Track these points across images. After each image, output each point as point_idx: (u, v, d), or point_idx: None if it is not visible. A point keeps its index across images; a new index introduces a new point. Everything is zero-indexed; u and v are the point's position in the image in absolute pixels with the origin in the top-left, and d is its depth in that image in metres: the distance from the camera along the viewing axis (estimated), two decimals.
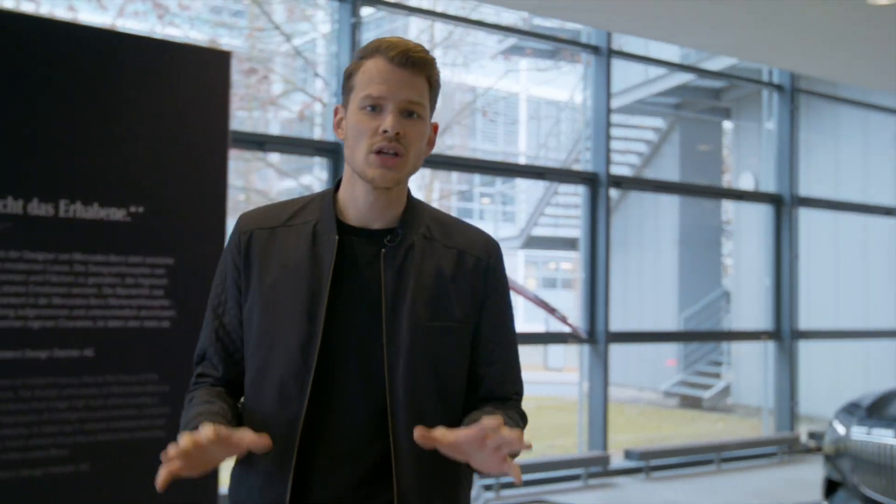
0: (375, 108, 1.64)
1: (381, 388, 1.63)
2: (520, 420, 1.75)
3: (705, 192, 11.04)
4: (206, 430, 1.44)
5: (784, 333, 8.74)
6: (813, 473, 7.55)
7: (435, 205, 12.54)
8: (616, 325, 7.55)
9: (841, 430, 5.36)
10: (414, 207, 1.75)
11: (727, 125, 14.16)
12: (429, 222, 1.75)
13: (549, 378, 15.97)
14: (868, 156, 10.98)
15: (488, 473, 1.54)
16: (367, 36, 11.61)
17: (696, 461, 7.91)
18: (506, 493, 6.76)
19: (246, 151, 8.96)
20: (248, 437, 1.49)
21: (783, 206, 8.81)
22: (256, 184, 12.90)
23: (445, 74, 9.83)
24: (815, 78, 9.50)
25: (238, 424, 1.67)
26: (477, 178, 18.97)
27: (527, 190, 18.59)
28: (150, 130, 3.41)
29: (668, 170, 13.72)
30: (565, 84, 14.93)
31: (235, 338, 1.74)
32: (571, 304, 16.18)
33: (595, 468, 7.26)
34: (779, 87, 8.97)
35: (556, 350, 14.86)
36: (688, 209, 13.84)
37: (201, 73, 3.56)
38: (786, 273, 8.77)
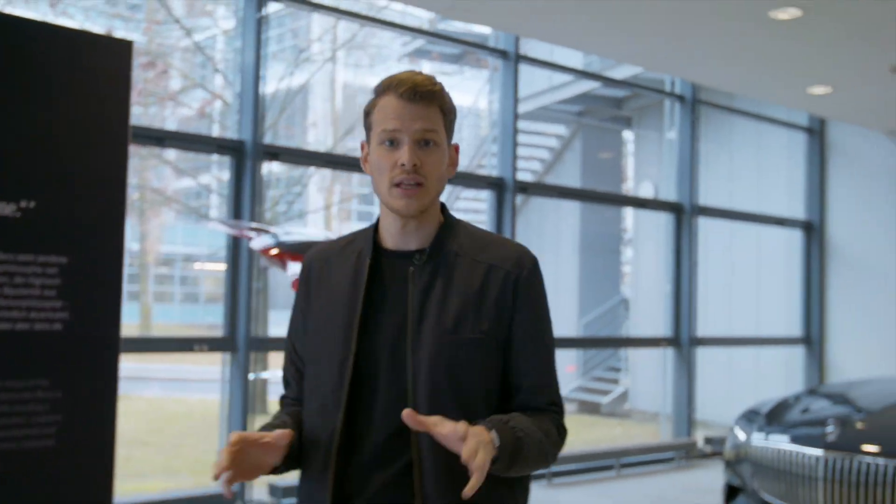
0: (393, 142, 1.75)
1: (405, 399, 1.73)
2: (545, 434, 1.77)
3: (610, 199, 11.19)
4: (231, 436, 1.61)
5: (683, 340, 8.89)
6: (710, 478, 7.68)
7: (335, 208, 12.28)
8: None
9: (741, 436, 5.44)
10: (450, 226, 1.85)
11: (627, 134, 14.39)
12: (462, 239, 1.84)
13: None
14: (761, 167, 11.28)
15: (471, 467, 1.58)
16: (272, 33, 11.41)
17: (596, 467, 7.96)
18: None
19: (142, 147, 8.64)
20: (272, 434, 1.67)
21: (683, 214, 8.97)
22: (152, 182, 12.50)
23: (348, 76, 9.60)
24: (713, 89, 9.70)
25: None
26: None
27: None
28: (44, 121, 3.20)
29: (569, 176, 13.86)
30: (469, 89, 14.94)
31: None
32: None
33: None
34: (681, 98, 9.13)
35: None
36: (588, 216, 14.01)
37: (100, 62, 3.36)
38: (685, 280, 8.92)
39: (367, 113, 1.82)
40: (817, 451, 4.81)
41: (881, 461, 4.60)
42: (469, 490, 1.50)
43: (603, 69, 10.92)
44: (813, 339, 10.06)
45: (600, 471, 7.96)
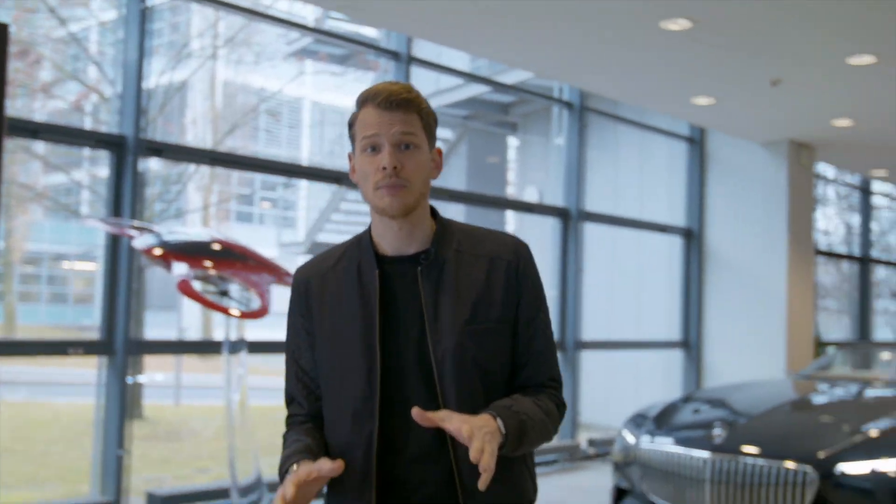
0: (374, 147, 1.83)
1: (435, 394, 1.82)
2: (546, 412, 1.87)
3: (496, 202, 11.20)
4: (287, 489, 1.65)
5: (568, 344, 8.98)
6: (595, 480, 7.78)
7: (213, 209, 11.97)
8: None
9: (630, 439, 5.50)
10: (444, 226, 1.94)
11: (513, 140, 14.51)
12: (459, 237, 1.94)
13: None
14: (644, 175, 11.54)
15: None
16: (156, 26, 11.01)
17: None
18: None
19: (9, 140, 8.19)
20: (326, 467, 1.69)
21: (570, 219, 9.07)
22: (20, 177, 11.91)
23: (230, 74, 9.32)
24: (600, 96, 9.85)
25: (327, 451, 1.90)
26: (258, 182, 18.49)
27: (308, 196, 18.31)
28: None
29: (454, 181, 13.87)
30: (355, 91, 14.79)
31: (314, 377, 1.94)
32: None
33: None
34: (569, 105, 9.23)
35: None
36: (473, 221, 14.03)
37: None
38: (571, 285, 9.02)
39: (350, 125, 1.90)
40: (704, 454, 4.90)
41: (762, 462, 4.71)
42: (482, 485, 1.59)
43: (491, 74, 10.96)
44: (691, 342, 10.33)
45: None
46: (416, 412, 1.66)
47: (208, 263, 5.06)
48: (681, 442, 5.13)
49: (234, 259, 5.23)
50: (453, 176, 13.98)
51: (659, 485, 5.13)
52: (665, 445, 5.17)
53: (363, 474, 1.83)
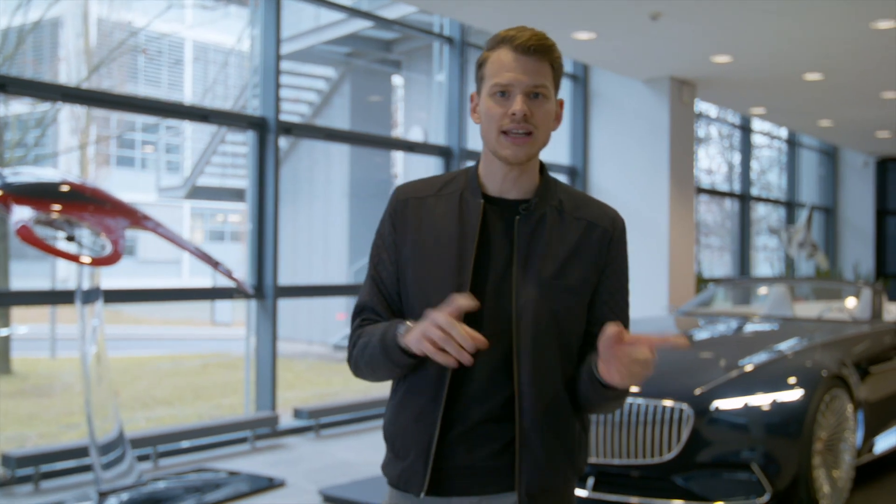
0: (504, 93, 1.84)
1: (508, 337, 1.85)
2: None
3: (378, 142, 10.92)
4: (461, 301, 1.68)
5: None
6: None
7: (91, 149, 11.32)
8: (285, 278, 7.20)
9: None
10: (547, 182, 1.96)
11: (398, 79, 14.17)
12: (561, 196, 1.96)
13: (216, 333, 15.39)
14: None
15: (619, 384, 1.74)
16: None
17: (366, 416, 7.78)
18: (165, 461, 6.22)
19: None
20: (463, 302, 1.69)
21: (452, 158, 8.86)
22: None
23: (103, 11, 8.69)
24: (482, 31, 9.62)
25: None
26: (139, 124, 17.71)
27: (193, 139, 17.66)
28: None
29: (338, 121, 13.52)
30: (233, 29, 14.22)
31: (392, 290, 1.95)
32: (240, 258, 15.62)
33: (263, 429, 6.90)
34: (449, 40, 8.97)
35: (223, 303, 14.28)
36: (358, 161, 13.74)
37: None
38: None
39: (480, 65, 1.90)
40: None
41: (640, 401, 4.65)
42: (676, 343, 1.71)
43: (373, 9, 10.60)
44: None
45: (370, 420, 7.80)
46: (612, 329, 1.68)
47: (56, 207, 4.68)
48: None
49: (86, 202, 4.85)
50: (337, 116, 13.62)
51: None
52: None
53: (434, 396, 1.85)
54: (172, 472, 5.80)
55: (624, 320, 1.97)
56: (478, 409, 1.86)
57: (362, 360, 1.92)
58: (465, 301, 1.69)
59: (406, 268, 1.93)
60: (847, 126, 12.94)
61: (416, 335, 1.71)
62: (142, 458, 6.08)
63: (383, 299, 1.97)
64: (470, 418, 1.86)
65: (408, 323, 1.80)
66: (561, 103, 1.96)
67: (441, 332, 1.66)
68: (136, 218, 5.00)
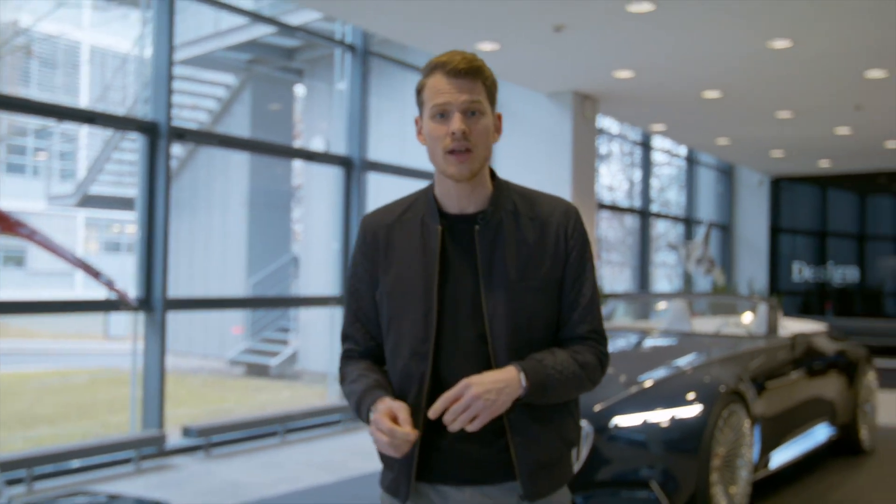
0: (443, 115, 1.98)
1: (485, 343, 1.99)
2: (581, 365, 2.04)
3: (276, 150, 10.63)
4: (412, 434, 1.88)
5: None
6: None
7: None
8: (181, 290, 6.91)
9: None
10: (500, 188, 2.09)
11: (300, 88, 13.92)
12: (515, 199, 2.09)
13: (109, 347, 14.82)
14: None
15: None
16: None
17: (260, 434, 7.52)
18: (42, 484, 5.85)
19: None
20: (406, 434, 1.88)
21: (353, 169, 8.68)
22: None
23: None
24: (385, 40, 9.49)
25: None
26: (32, 129, 17.02)
27: (88, 146, 17.05)
28: None
29: (238, 129, 13.19)
30: (130, 32, 13.77)
31: (372, 317, 2.12)
32: (134, 270, 15.06)
33: (149, 449, 6.58)
34: (351, 48, 8.80)
35: (118, 316, 13.76)
36: (258, 171, 13.43)
37: None
38: (353, 238, 8.66)
39: (419, 91, 2.04)
40: None
41: None
42: (453, 427, 1.89)
43: (275, 14, 10.36)
44: None
45: (264, 438, 7.53)
46: (433, 413, 1.91)
47: None
48: None
49: None
50: (237, 125, 13.29)
51: None
52: None
53: (414, 408, 1.98)
54: (46, 497, 5.44)
55: (588, 303, 2.08)
56: None
57: (347, 400, 2.10)
58: (404, 430, 1.88)
59: (382, 297, 2.08)
60: (743, 144, 13.21)
61: (371, 434, 1.93)
62: (14, 482, 5.70)
63: (361, 327, 2.14)
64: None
65: (374, 405, 1.95)
66: (499, 116, 2.07)
67: (384, 436, 1.87)
68: (7, 224, 4.68)
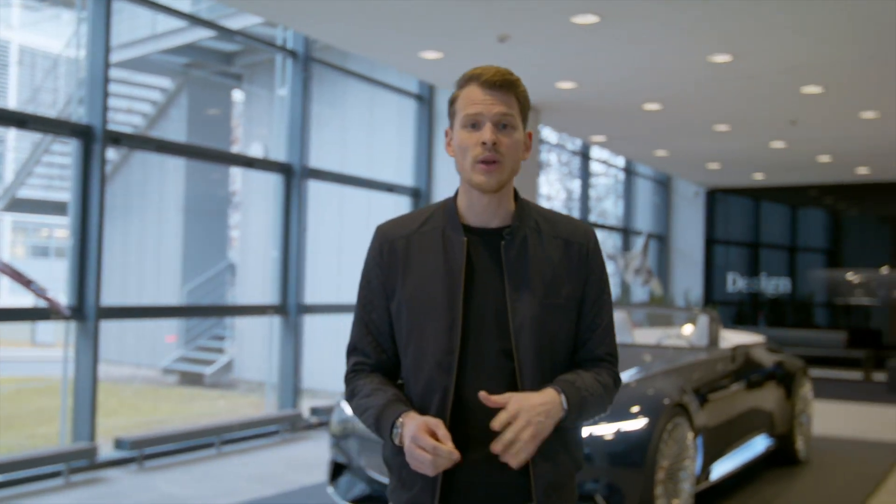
0: (475, 125, 1.98)
1: (510, 358, 1.98)
2: (604, 386, 2.06)
3: (214, 156, 10.44)
4: (455, 454, 1.87)
5: (290, 307, 8.50)
6: (316, 452, 7.39)
7: None
8: (113, 297, 6.71)
9: (349, 411, 5.13)
10: (522, 206, 2.09)
11: (238, 94, 13.72)
12: (536, 218, 2.09)
13: (36, 355, 14.41)
14: (373, 132, 11.21)
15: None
16: None
17: (195, 446, 7.35)
18: None
19: None
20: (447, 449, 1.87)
21: (293, 176, 8.55)
22: None
23: None
24: (328, 47, 9.39)
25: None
26: None
27: (17, 148, 16.60)
28: None
29: (175, 134, 12.94)
30: (63, 32, 13.43)
31: (384, 330, 2.09)
32: (64, 276, 14.68)
33: (79, 462, 6.38)
34: (293, 54, 8.68)
35: (46, 322, 13.38)
36: (194, 176, 13.19)
37: None
38: (293, 245, 8.53)
39: (452, 102, 2.04)
40: None
41: None
42: (515, 464, 1.90)
43: (215, 18, 10.18)
44: None
45: (199, 449, 7.36)
46: (483, 396, 1.88)
47: None
48: None
49: None
50: (173, 129, 13.04)
51: (378, 459, 4.80)
52: None
53: (440, 414, 1.96)
54: None
55: (606, 325, 2.11)
56: (484, 430, 1.93)
57: (359, 419, 2.07)
58: (447, 448, 1.86)
59: (400, 309, 2.05)
60: (681, 156, 13.38)
61: (408, 451, 1.88)
62: None
63: (373, 340, 2.11)
64: (477, 440, 1.96)
65: (399, 420, 1.93)
66: (529, 135, 2.07)
67: (426, 454, 1.84)
68: None
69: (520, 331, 1.97)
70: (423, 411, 1.98)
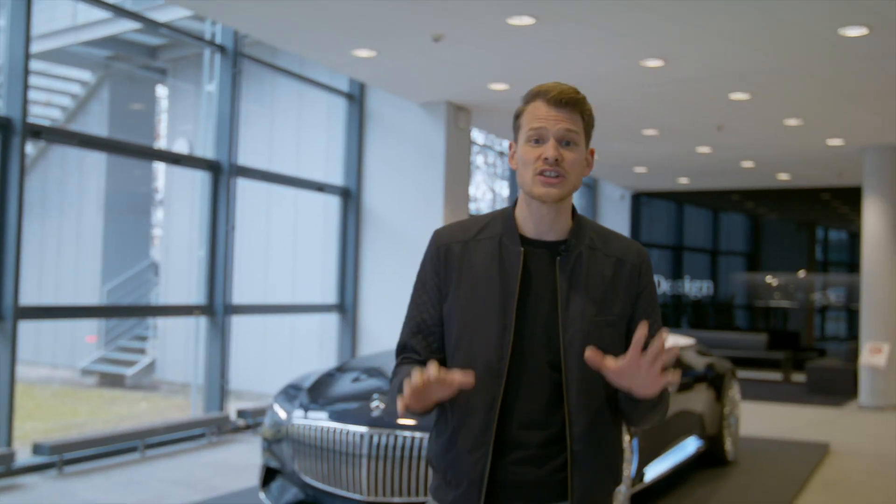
0: (539, 140, 2.02)
1: (558, 369, 2.02)
2: (665, 397, 2.08)
3: (138, 152, 10.15)
4: (432, 368, 1.83)
5: (217, 308, 8.31)
6: (243, 455, 7.24)
7: None
8: (30, 297, 6.46)
9: (282, 414, 5.01)
10: (579, 222, 2.12)
11: (162, 89, 13.40)
12: (591, 234, 2.12)
13: None
14: (302, 130, 11.06)
15: (649, 396, 1.92)
16: None
17: (118, 450, 7.12)
18: None
19: None
20: (457, 377, 1.87)
21: (221, 174, 8.37)
22: None
23: None
24: (258, 42, 9.23)
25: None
26: None
27: None
28: None
29: (95, 128, 12.60)
30: None
31: (435, 331, 2.14)
32: None
33: None
34: (222, 49, 8.49)
35: None
36: (115, 173, 12.85)
37: None
38: (220, 244, 8.34)
39: (517, 116, 2.08)
40: (361, 429, 4.54)
41: (421, 435, 4.44)
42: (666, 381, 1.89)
43: (140, 10, 9.91)
44: (347, 306, 10.03)
45: (122, 454, 7.14)
46: (589, 354, 1.87)
47: None
48: (336, 417, 4.72)
49: None
50: (94, 124, 12.68)
51: (312, 463, 4.70)
52: (319, 421, 4.74)
53: (482, 431, 2.01)
54: None
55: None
56: (529, 438, 2.01)
57: (393, 394, 2.07)
58: (458, 376, 1.87)
59: (452, 311, 2.09)
60: (609, 160, 13.50)
61: (398, 401, 1.91)
62: None
63: (423, 339, 2.14)
64: (523, 446, 2.01)
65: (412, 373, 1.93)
66: (592, 152, 2.10)
67: (420, 387, 1.84)
68: None
69: (569, 345, 2.01)
70: (467, 414, 2.02)
